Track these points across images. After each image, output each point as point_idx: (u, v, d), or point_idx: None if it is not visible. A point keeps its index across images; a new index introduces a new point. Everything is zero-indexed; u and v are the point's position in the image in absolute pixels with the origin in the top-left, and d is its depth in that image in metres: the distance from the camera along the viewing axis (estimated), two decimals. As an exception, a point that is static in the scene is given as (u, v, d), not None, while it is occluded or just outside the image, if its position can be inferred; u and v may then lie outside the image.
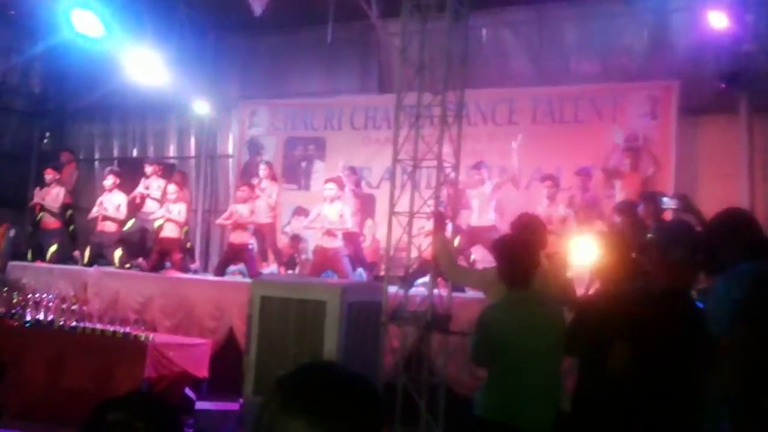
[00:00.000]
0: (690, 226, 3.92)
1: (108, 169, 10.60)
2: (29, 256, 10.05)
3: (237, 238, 9.13)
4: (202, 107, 11.60)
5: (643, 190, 8.06)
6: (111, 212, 9.75)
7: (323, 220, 8.59)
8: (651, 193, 7.32)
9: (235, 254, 9.21)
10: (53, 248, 9.90)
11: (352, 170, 9.89)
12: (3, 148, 13.16)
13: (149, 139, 13.02)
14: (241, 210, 9.19)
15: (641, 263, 3.91)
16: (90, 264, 9.46)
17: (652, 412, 3.39)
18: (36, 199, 10.20)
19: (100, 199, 10.02)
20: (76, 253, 10.12)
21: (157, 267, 9.21)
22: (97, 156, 13.46)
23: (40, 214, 10.15)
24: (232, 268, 9.45)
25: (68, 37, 10.54)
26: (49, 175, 10.34)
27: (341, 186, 8.92)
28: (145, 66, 10.77)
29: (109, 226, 9.77)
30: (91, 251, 9.73)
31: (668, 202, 6.22)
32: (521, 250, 3.83)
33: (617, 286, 3.81)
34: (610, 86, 9.66)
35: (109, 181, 9.93)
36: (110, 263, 9.48)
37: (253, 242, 9.31)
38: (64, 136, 13.37)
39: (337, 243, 8.61)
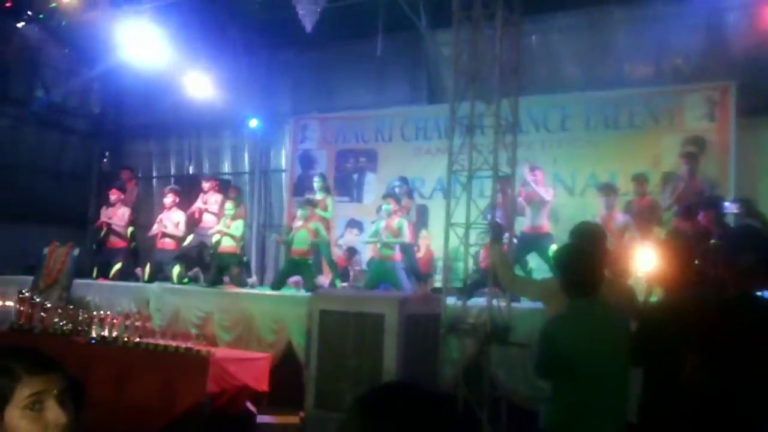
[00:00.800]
0: (758, 230, 3.83)
1: (168, 187, 10.83)
2: (94, 273, 10.32)
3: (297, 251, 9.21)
4: (255, 123, 11.78)
5: (702, 195, 7.88)
6: (170, 230, 9.96)
7: (381, 235, 8.64)
8: (711, 198, 7.16)
9: (295, 266, 9.29)
10: (117, 266, 10.16)
11: (403, 180, 9.90)
12: (64, 169, 13.60)
13: (204, 156, 13.29)
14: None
15: (704, 270, 3.83)
16: (150, 281, 9.67)
17: (724, 422, 3.31)
18: (103, 218, 10.46)
19: (159, 216, 10.24)
20: (138, 270, 10.36)
21: (215, 281, 9.36)
22: (154, 174, 13.79)
23: (105, 232, 10.42)
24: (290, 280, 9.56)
25: (125, 59, 10.89)
26: (114, 195, 10.59)
27: (397, 201, 8.93)
28: (199, 84, 11.04)
29: (168, 243, 9.98)
30: (151, 268, 9.94)
31: (730, 207, 6.07)
32: (584, 259, 3.76)
33: (681, 294, 3.73)
34: (665, 89, 9.47)
35: (169, 199, 10.15)
36: (169, 279, 9.67)
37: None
38: (122, 155, 13.74)
39: (395, 254, 8.63)
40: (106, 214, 10.48)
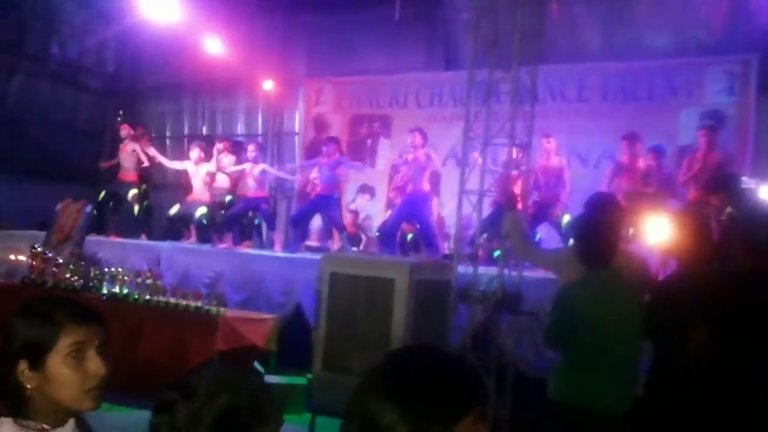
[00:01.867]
0: None
1: (194, 142, 10.71)
2: (110, 208, 10.41)
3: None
4: (269, 85, 11.71)
5: (720, 169, 7.78)
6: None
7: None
8: (730, 173, 7.07)
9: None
10: (133, 192, 10.20)
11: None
12: (78, 126, 13.58)
13: (218, 117, 13.25)
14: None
15: (720, 245, 3.79)
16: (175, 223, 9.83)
17: (732, 397, 3.30)
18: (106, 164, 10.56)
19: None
20: (143, 236, 10.19)
21: (242, 217, 9.69)
22: (168, 134, 13.76)
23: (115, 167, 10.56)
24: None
25: (141, 17, 10.81)
26: (124, 130, 10.58)
27: (425, 137, 8.91)
28: (214, 45, 10.96)
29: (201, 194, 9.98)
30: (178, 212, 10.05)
31: (748, 182, 5.99)
32: (600, 230, 3.75)
33: (696, 268, 3.70)
34: (685, 61, 9.30)
35: (195, 153, 10.08)
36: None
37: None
38: (136, 114, 13.69)
39: (425, 187, 8.67)
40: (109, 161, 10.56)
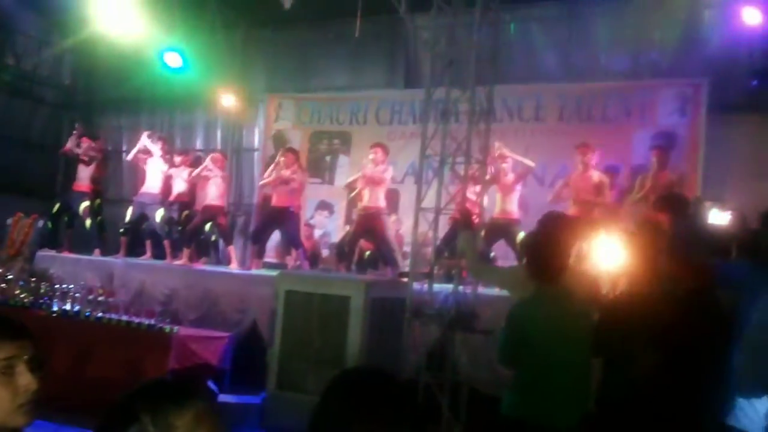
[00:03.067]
0: (709, 227, 3.87)
1: (157, 135, 10.52)
2: (64, 222, 10.13)
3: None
4: (229, 100, 11.65)
5: (670, 189, 7.93)
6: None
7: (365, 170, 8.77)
8: (676, 193, 7.20)
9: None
10: (85, 204, 9.96)
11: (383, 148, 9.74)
12: (32, 140, 13.34)
13: (177, 132, 13.09)
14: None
15: (665, 265, 3.85)
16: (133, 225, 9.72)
17: (678, 414, 3.34)
18: (68, 146, 10.25)
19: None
20: (97, 251, 9.92)
21: (199, 232, 9.46)
22: (124, 148, 13.57)
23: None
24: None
25: (99, 30, 10.67)
26: (78, 131, 10.47)
27: (386, 153, 8.95)
28: (173, 59, 10.86)
29: (152, 189, 9.79)
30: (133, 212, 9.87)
31: (697, 202, 6.07)
32: (551, 246, 3.78)
33: (643, 288, 3.75)
34: (639, 83, 9.55)
35: (158, 147, 9.91)
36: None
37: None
38: (93, 127, 13.48)
39: (381, 203, 8.67)
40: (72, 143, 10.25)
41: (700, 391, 3.32)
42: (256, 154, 12.24)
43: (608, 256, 4.51)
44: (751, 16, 8.13)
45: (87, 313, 7.22)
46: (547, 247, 3.82)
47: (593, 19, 10.05)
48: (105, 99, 13.49)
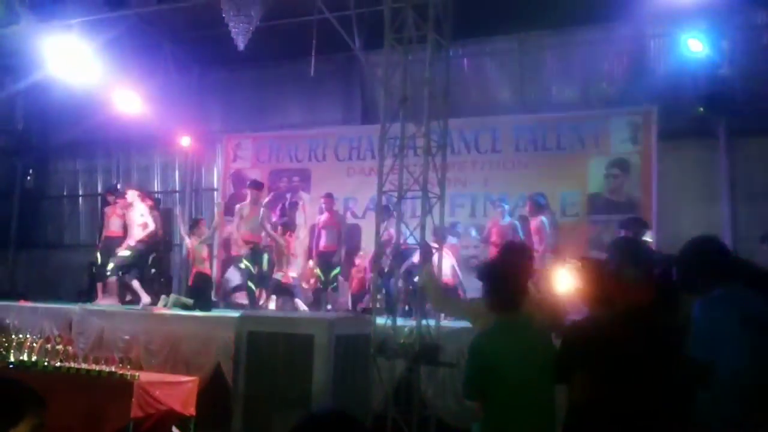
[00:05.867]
0: (638, 243, 3.93)
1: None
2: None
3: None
4: (186, 141, 11.59)
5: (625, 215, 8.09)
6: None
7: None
8: (633, 218, 7.35)
9: None
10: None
11: (329, 196, 9.85)
12: (-15, 187, 13.11)
13: (134, 174, 13.00)
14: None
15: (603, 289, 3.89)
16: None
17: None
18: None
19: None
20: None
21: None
22: (80, 192, 13.40)
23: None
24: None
25: (51, 74, 10.57)
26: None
27: (331, 200, 9.33)
28: (128, 101, 10.80)
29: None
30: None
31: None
32: (508, 274, 3.81)
33: (595, 313, 3.80)
34: (591, 113, 9.78)
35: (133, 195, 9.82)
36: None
37: None
38: (47, 172, 13.33)
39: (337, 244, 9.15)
40: None
41: (636, 411, 3.33)
42: (215, 193, 12.18)
43: (563, 282, 4.56)
44: (694, 46, 8.41)
45: (45, 363, 7.04)
46: (502, 275, 3.85)
47: (543, 52, 10.32)
48: (59, 143, 13.31)
